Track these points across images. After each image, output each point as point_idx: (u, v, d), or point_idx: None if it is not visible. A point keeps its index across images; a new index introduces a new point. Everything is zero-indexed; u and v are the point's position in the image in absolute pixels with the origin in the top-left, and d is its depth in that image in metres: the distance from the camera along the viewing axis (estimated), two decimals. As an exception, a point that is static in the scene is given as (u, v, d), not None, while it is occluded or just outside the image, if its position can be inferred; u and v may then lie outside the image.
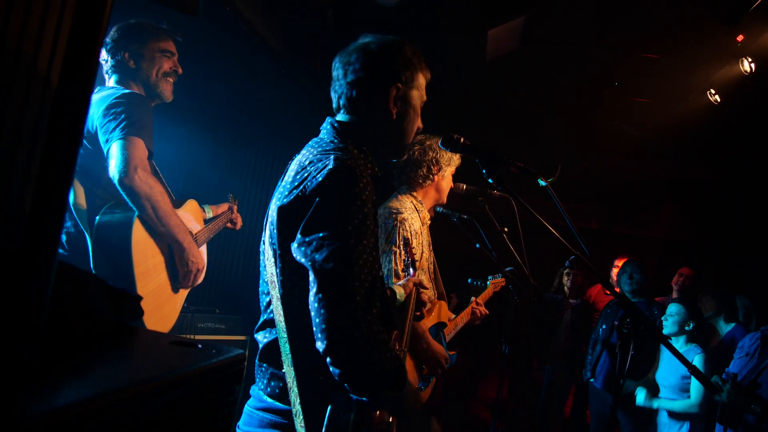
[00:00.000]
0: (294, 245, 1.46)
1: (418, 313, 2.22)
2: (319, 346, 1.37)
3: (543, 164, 1.91)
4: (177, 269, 2.63)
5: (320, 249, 1.39)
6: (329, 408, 1.43)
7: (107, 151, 2.39)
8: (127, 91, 2.55)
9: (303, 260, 1.43)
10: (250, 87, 5.08)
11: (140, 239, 2.44)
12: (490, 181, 1.80)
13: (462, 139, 1.85)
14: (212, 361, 0.95)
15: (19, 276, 0.75)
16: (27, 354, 0.76)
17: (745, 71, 4.24)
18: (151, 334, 1.16)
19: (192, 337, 3.54)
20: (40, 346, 0.78)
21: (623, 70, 5.01)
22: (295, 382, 1.47)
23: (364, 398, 1.41)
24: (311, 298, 1.40)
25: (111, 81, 2.65)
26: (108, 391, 0.72)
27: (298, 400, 1.45)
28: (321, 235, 1.40)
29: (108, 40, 2.61)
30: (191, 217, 2.88)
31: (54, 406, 0.65)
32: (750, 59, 4.21)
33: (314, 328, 1.38)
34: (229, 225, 3.35)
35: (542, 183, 1.85)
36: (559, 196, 1.85)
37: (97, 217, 2.40)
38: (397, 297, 2.11)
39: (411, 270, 2.37)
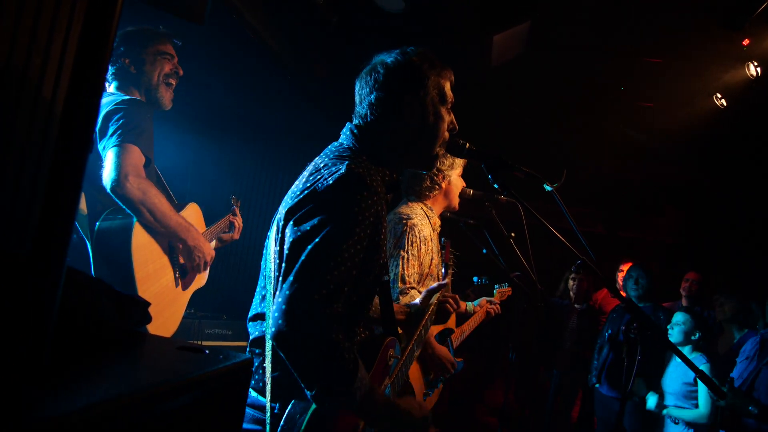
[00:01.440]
0: (286, 233, 1.50)
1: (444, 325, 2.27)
2: (269, 331, 1.40)
3: (548, 169, 1.91)
4: (183, 268, 2.66)
5: (299, 239, 1.43)
6: (288, 408, 1.46)
7: (104, 159, 2.41)
8: (127, 97, 2.55)
9: (285, 248, 1.47)
10: (255, 94, 5.10)
11: (141, 244, 2.45)
12: (495, 186, 1.80)
13: (467, 145, 1.85)
14: (219, 367, 0.95)
15: (30, 281, 0.76)
16: (37, 358, 0.77)
17: (751, 75, 4.23)
18: (159, 339, 1.16)
19: (199, 343, 3.55)
20: (50, 350, 0.79)
21: (628, 74, 5.00)
22: (270, 378, 1.51)
23: (313, 395, 1.39)
24: (279, 285, 1.42)
25: (111, 87, 2.65)
26: (116, 396, 0.72)
27: (269, 396, 1.50)
28: (308, 228, 1.43)
29: (118, 44, 2.62)
30: (192, 220, 2.88)
31: (63, 410, 0.65)
32: (756, 63, 4.20)
33: (272, 314, 1.39)
34: (225, 236, 3.23)
35: (548, 188, 1.85)
36: (564, 201, 1.85)
37: (97, 223, 2.41)
38: (411, 307, 2.15)
39: (444, 271, 2.41)
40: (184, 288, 2.76)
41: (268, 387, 1.50)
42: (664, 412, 3.98)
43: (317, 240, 1.41)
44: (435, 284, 2.32)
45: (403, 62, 1.68)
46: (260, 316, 1.66)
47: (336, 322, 1.40)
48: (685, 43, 4.28)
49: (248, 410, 1.59)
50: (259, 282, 1.73)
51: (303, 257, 1.40)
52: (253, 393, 1.59)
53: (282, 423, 1.45)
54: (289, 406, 1.47)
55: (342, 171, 1.49)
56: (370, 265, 1.55)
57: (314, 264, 1.40)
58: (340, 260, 1.42)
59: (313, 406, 1.44)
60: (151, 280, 2.49)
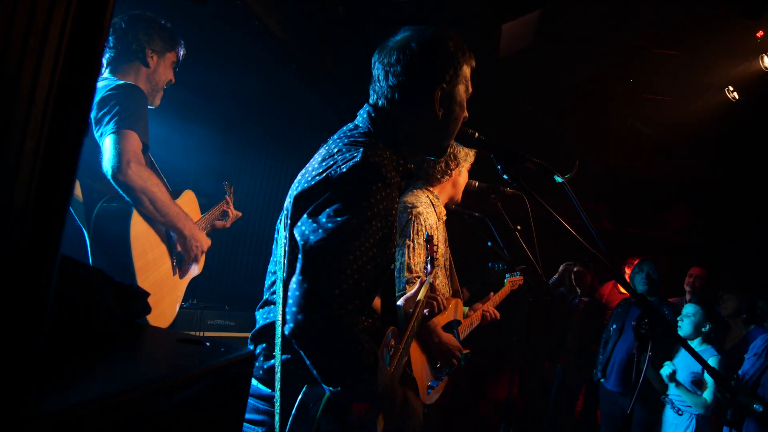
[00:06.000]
0: (297, 224, 1.45)
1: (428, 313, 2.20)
2: (286, 328, 1.36)
3: (555, 163, 1.87)
4: (180, 256, 2.64)
5: (316, 231, 1.39)
6: (299, 397, 1.43)
7: (101, 146, 2.36)
8: (121, 82, 2.49)
9: (298, 239, 1.43)
10: (259, 82, 5.06)
11: (139, 232, 2.42)
12: (504, 177, 1.77)
13: (477, 134, 1.81)
14: (220, 360, 0.93)
15: (24, 274, 0.73)
16: (34, 353, 0.75)
17: (765, 68, 4.17)
18: (159, 331, 1.14)
19: (201, 334, 3.54)
20: (47, 344, 0.76)
21: (638, 66, 4.94)
22: (279, 367, 1.47)
23: (336, 390, 1.39)
24: (293, 278, 1.38)
25: (106, 72, 2.59)
26: (115, 392, 0.71)
27: (278, 386, 1.46)
28: (323, 220, 1.39)
29: (138, 27, 2.58)
30: (188, 208, 2.85)
31: (62, 406, 0.64)
32: (770, 56, 4.13)
33: (287, 309, 1.37)
34: (218, 223, 3.12)
35: (558, 179, 1.81)
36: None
37: (95, 211, 2.37)
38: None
39: (428, 267, 2.35)
40: (182, 276, 2.73)
41: (278, 375, 1.46)
42: (670, 388, 3.93)
43: (334, 234, 1.37)
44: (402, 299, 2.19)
45: (438, 47, 1.60)
46: (269, 303, 1.62)
47: (356, 317, 1.38)
48: (697, 34, 4.22)
49: (250, 400, 1.55)
50: (269, 267, 1.69)
51: (321, 251, 1.37)
52: (254, 382, 1.55)
53: (294, 411, 1.41)
54: (301, 394, 1.43)
55: (357, 159, 1.44)
56: (380, 257, 1.51)
57: (333, 258, 1.36)
58: (358, 255, 1.38)
59: (327, 394, 1.41)
60: (150, 269, 2.46)
